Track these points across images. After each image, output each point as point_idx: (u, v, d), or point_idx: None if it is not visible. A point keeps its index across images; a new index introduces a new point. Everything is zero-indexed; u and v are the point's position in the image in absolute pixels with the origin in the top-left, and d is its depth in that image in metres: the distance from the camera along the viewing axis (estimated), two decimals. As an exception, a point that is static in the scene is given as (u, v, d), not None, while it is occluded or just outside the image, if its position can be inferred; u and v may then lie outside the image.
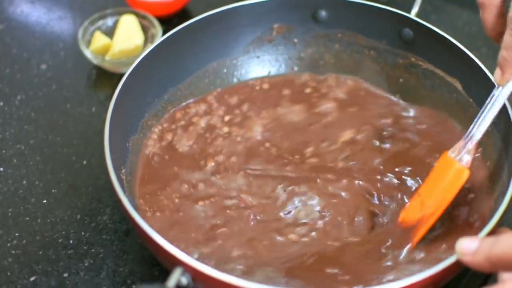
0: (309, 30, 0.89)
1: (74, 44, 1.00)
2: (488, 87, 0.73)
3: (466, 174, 0.69)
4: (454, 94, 0.80)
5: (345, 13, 0.86)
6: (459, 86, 0.80)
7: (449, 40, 0.79)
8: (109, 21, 1.00)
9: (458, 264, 0.58)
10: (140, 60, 0.77)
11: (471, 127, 0.69)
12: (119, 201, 0.63)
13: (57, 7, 1.09)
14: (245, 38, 0.88)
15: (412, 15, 0.82)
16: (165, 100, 0.82)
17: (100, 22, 0.99)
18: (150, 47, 0.79)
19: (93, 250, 0.76)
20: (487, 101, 0.68)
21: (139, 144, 0.79)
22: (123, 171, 0.72)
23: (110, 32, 0.98)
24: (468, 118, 0.78)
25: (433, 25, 0.81)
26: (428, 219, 0.69)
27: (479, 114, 0.69)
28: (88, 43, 0.97)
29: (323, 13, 0.87)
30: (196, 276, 0.57)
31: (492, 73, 0.72)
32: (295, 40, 0.89)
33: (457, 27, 1.05)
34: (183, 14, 1.06)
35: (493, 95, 0.68)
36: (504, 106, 0.69)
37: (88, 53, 0.94)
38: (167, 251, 0.59)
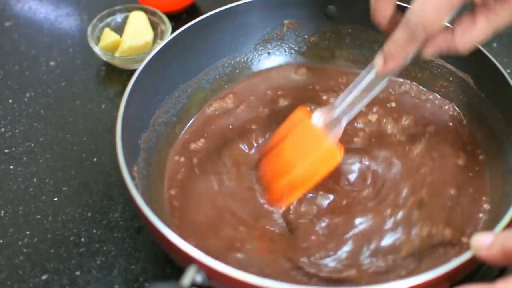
0: (320, 25, 0.88)
1: (82, 41, 1.00)
2: (500, 82, 0.73)
3: (338, 159, 0.69)
4: (466, 89, 0.80)
5: (355, 8, 0.86)
6: (471, 81, 0.79)
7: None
8: (118, 18, 1.00)
9: (473, 260, 0.57)
10: (151, 57, 0.76)
11: (342, 100, 0.69)
12: (131, 198, 0.63)
13: (65, 4, 1.10)
14: (256, 34, 0.88)
15: (423, 10, 0.82)
16: (175, 97, 0.82)
17: (109, 19, 0.99)
18: (161, 44, 0.78)
19: (104, 248, 0.75)
20: (361, 80, 0.68)
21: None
22: (135, 168, 0.71)
23: (119, 29, 0.98)
24: (480, 113, 0.78)
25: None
26: (296, 189, 0.70)
27: (352, 91, 0.69)
28: (98, 40, 0.97)
29: (333, 9, 0.87)
30: (211, 274, 0.57)
31: (504, 67, 0.72)
32: (306, 36, 0.89)
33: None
34: (192, 10, 1.06)
35: (369, 77, 0.68)
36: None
37: (97, 50, 0.94)
38: (180, 249, 0.58)
